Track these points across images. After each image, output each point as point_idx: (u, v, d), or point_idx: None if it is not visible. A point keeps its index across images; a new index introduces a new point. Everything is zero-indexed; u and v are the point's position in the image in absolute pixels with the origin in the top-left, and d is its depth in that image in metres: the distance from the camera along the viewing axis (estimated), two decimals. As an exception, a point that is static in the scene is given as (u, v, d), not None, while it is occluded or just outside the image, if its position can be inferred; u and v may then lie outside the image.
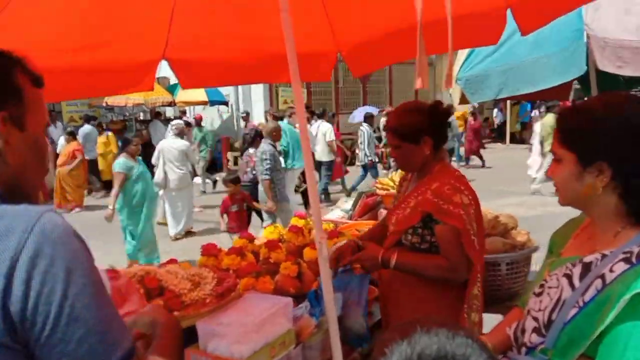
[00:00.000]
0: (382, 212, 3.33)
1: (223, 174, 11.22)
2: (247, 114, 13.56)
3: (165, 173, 7.39)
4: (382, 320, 2.35)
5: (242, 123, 13.48)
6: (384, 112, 11.94)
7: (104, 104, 13.23)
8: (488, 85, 3.37)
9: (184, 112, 14.90)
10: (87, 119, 12.44)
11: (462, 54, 3.65)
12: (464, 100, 3.70)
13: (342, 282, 2.16)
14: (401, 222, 2.15)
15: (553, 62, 3.05)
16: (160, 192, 7.48)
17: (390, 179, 3.37)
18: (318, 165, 9.64)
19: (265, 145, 6.01)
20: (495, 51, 3.46)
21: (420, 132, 2.08)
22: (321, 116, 10.24)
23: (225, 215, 6.05)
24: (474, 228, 2.00)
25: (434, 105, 2.14)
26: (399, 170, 3.34)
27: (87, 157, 11.10)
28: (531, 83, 3.13)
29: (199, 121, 12.32)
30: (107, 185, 11.15)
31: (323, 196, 9.59)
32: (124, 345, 0.85)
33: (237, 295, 1.84)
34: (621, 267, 1.10)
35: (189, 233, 7.90)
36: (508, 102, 14.72)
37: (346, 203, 3.88)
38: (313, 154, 9.86)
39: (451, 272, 2.00)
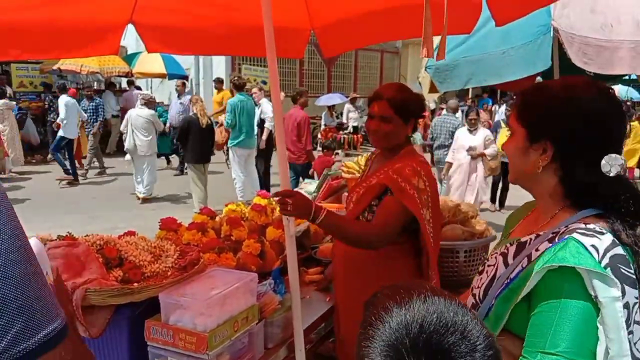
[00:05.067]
0: (346, 195, 3.33)
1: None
2: (184, 83, 11.81)
3: (134, 140, 8.13)
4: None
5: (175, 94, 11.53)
6: (350, 98, 12.04)
7: (58, 69, 12.47)
8: (457, 74, 3.41)
9: (132, 82, 14.15)
10: (63, 88, 10.14)
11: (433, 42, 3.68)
12: (433, 88, 3.73)
13: None
14: (361, 198, 2.17)
15: (520, 55, 3.12)
16: (128, 157, 8.36)
17: (356, 162, 3.37)
18: None
19: None
20: (464, 42, 3.51)
21: (413, 112, 2.15)
22: None
23: None
24: (427, 215, 2.03)
25: (422, 98, 2.27)
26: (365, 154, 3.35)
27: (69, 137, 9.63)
28: (498, 74, 3.19)
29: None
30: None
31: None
32: (47, 325, 0.72)
33: (201, 269, 1.80)
34: (545, 245, 1.13)
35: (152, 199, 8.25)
36: (470, 94, 14.97)
37: (310, 185, 3.86)
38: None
39: (373, 236, 1.97)
